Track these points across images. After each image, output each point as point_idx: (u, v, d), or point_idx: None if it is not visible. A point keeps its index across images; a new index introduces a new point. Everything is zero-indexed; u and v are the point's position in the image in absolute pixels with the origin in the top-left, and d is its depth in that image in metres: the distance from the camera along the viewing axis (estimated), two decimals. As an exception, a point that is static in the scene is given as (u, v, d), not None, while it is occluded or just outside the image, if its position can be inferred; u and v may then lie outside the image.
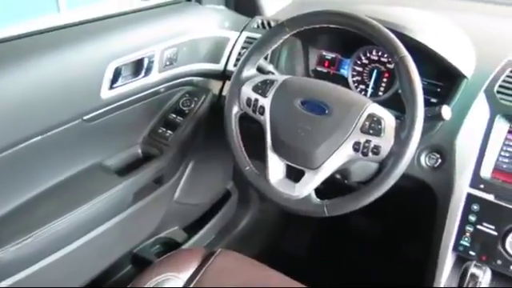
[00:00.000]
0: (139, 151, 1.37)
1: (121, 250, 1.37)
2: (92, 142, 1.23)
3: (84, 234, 1.18)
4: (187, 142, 1.40)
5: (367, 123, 0.96)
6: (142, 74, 1.25)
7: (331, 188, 1.05)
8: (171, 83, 1.37)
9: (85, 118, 1.16)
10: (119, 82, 1.19)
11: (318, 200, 1.01)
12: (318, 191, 1.03)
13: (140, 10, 1.34)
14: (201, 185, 1.60)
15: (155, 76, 1.29)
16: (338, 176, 1.17)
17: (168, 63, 1.30)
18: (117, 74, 1.17)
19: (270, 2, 1.46)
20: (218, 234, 1.75)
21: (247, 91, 1.09)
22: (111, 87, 1.17)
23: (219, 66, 1.41)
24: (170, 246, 1.57)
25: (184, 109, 1.41)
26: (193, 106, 1.41)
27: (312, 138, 1.00)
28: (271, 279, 1.12)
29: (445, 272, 1.12)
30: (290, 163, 1.04)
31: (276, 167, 1.05)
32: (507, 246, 1.02)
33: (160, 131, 1.38)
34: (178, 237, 1.61)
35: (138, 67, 1.24)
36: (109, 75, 1.16)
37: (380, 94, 1.27)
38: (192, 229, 1.66)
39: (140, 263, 1.47)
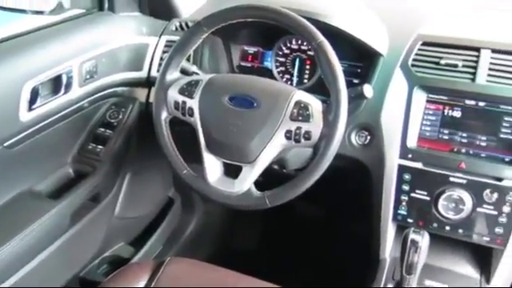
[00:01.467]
0: (70, 171, 1.32)
1: (66, 275, 1.31)
2: (17, 169, 1.17)
3: (22, 266, 1.12)
4: (120, 155, 1.37)
5: (295, 111, 0.98)
6: (62, 90, 1.20)
7: (271, 179, 1.06)
8: (95, 97, 1.33)
9: (5, 144, 1.09)
10: (38, 103, 1.14)
11: (259, 192, 1.01)
12: (259, 184, 1.03)
13: (52, 25, 1.28)
14: (141, 196, 1.56)
15: (76, 91, 1.24)
16: (275, 166, 1.19)
17: (88, 77, 1.26)
18: (34, 94, 1.12)
19: (186, 3, 1.45)
20: (166, 243, 1.72)
21: (173, 95, 1.07)
22: (30, 109, 1.12)
23: (142, 74, 1.38)
24: (117, 264, 1.52)
25: (112, 121, 1.37)
26: (121, 117, 1.37)
27: (244, 132, 1.00)
28: (226, 279, 1.11)
29: (388, 242, 1.17)
30: (226, 160, 1.04)
31: (213, 166, 1.05)
32: (440, 209, 1.08)
33: (90, 147, 1.34)
34: (124, 253, 1.56)
35: (56, 84, 1.19)
36: (26, 96, 1.10)
37: (305, 81, 1.30)
38: (138, 242, 1.62)
39: (89, 286, 1.42)
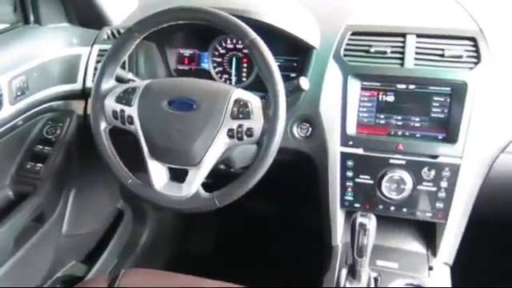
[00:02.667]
0: (10, 193, 1.26)
1: (16, 301, 1.26)
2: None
3: None
4: (62, 171, 1.32)
5: (235, 109, 0.98)
6: (-8, 110, 1.15)
7: (220, 179, 1.07)
8: (28, 113, 1.28)
9: None
10: (-33, 125, 1.08)
11: (207, 194, 1.01)
12: (208, 186, 1.03)
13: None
14: (89, 211, 1.52)
15: (8, 110, 1.19)
16: (222, 166, 1.20)
17: (19, 93, 1.21)
18: (-38, 117, 1.07)
19: (115, 10, 1.42)
20: (120, 256, 1.68)
21: (111, 104, 1.05)
22: None
23: (77, 86, 1.34)
24: (71, 283, 1.47)
25: (49, 137, 1.32)
26: (58, 132, 1.33)
27: (186, 135, 1.00)
28: (183, 284, 1.11)
29: (339, 229, 1.21)
30: (171, 165, 1.04)
31: (158, 173, 1.04)
32: (384, 191, 1.12)
33: (29, 166, 1.29)
34: (77, 271, 1.52)
35: (-15, 104, 1.14)
36: None
37: (244, 79, 1.31)
38: (91, 258, 1.58)
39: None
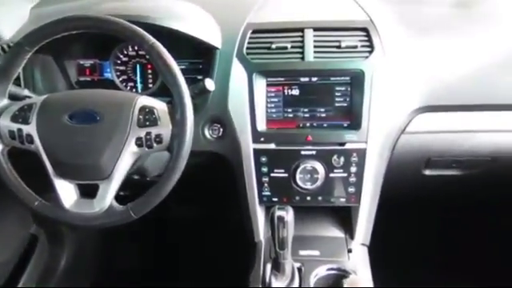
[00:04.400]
0: None
1: None
2: None
3: None
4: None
5: (141, 117, 0.96)
6: None
7: (137, 190, 1.04)
8: None
9: None
10: None
11: (121, 206, 0.99)
12: (125, 198, 1.00)
13: None
14: (-1, 240, 1.42)
15: None
16: (136, 177, 1.16)
17: None
18: None
19: (5, 23, 1.33)
20: (39, 282, 1.59)
21: (6, 124, 0.99)
22: None
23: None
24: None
25: None
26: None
27: (92, 149, 0.96)
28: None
29: (260, 224, 1.22)
30: (79, 182, 1.00)
31: (67, 191, 0.99)
32: (298, 182, 1.15)
33: None
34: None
35: None
36: None
37: (150, 86, 1.29)
38: (7, 289, 1.48)
39: None
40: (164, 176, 0.97)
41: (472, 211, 1.71)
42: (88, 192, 1.01)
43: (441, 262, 1.66)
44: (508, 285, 1.51)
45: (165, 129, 0.96)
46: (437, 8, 1.26)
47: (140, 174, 1.16)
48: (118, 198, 1.01)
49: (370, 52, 1.12)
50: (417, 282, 1.54)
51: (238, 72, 1.15)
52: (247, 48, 1.16)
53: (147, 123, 0.96)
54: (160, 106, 0.98)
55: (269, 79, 1.15)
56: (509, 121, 1.17)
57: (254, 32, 1.17)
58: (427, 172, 1.28)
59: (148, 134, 0.96)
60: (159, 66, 0.97)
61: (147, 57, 1.26)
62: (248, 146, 1.15)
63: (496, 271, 1.62)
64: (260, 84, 1.15)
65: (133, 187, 1.05)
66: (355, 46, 1.13)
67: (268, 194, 1.18)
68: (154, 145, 0.97)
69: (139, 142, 0.96)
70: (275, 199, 1.18)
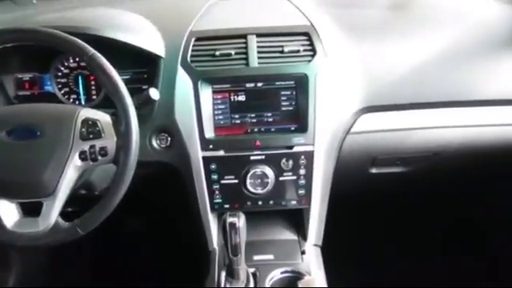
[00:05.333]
0: None
1: None
2: None
3: None
4: None
5: (84, 130, 0.94)
6: None
7: (85, 206, 1.01)
8: None
9: None
10: None
11: (67, 223, 0.96)
12: (72, 215, 0.98)
13: None
14: None
15: None
16: (83, 192, 1.13)
17: None
18: None
19: None
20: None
21: None
22: None
23: None
24: None
25: None
26: None
27: (33, 165, 0.93)
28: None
29: (213, 232, 1.21)
30: (21, 200, 0.96)
31: (8, 211, 0.95)
32: (249, 187, 1.15)
33: None
34: None
35: None
36: None
37: (94, 97, 1.26)
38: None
39: None
40: (111, 189, 0.95)
41: (418, 206, 1.77)
42: (32, 210, 0.97)
43: (391, 257, 1.71)
44: (457, 276, 1.58)
45: (109, 141, 0.95)
46: (374, 11, 1.30)
47: (87, 189, 1.13)
48: (65, 214, 0.98)
49: (313, 56, 1.15)
50: (369, 279, 1.57)
51: (183, 80, 1.14)
52: (191, 56, 1.16)
53: (91, 136, 0.94)
54: (103, 117, 0.96)
55: (214, 86, 1.15)
56: (447, 117, 1.22)
57: (197, 40, 1.17)
58: (373, 170, 1.32)
59: (92, 146, 0.94)
60: (100, 78, 0.95)
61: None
62: (197, 154, 1.14)
63: (443, 263, 1.68)
64: (206, 91, 1.15)
65: (81, 203, 1.02)
66: (298, 51, 1.15)
67: (219, 201, 1.17)
68: (99, 158, 0.95)
69: (83, 156, 0.94)
70: (227, 206, 1.18)
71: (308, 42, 1.16)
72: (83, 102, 1.25)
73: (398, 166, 1.32)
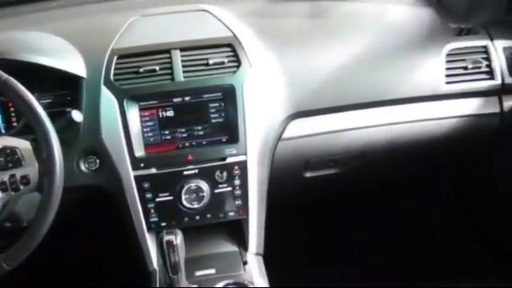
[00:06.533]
0: None
1: None
2: None
3: None
4: None
5: (2, 159, 0.90)
6: None
7: (14, 239, 0.96)
8: None
9: None
10: None
11: None
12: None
13: None
14: None
15: None
16: (8, 225, 1.07)
17: None
18: None
19: None
20: None
21: None
22: None
23: None
24: None
25: None
26: None
27: None
28: None
29: (152, 253, 1.18)
30: None
31: None
32: (185, 203, 1.14)
33: None
34: None
35: None
36: None
37: (14, 124, 1.19)
38: None
39: None
40: (36, 218, 0.91)
41: (354, 205, 1.83)
42: None
43: (333, 259, 1.74)
44: (395, 273, 1.63)
45: (31, 168, 0.90)
46: (295, 20, 1.34)
47: (13, 221, 1.07)
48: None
49: (238, 66, 1.16)
50: (313, 282, 1.59)
51: (107, 100, 1.11)
52: (115, 74, 1.13)
53: (10, 165, 0.90)
54: (23, 144, 0.92)
55: (141, 103, 1.13)
56: (371, 117, 1.27)
57: (120, 57, 1.15)
58: (308, 174, 1.35)
59: (12, 176, 0.90)
60: (16, 103, 0.91)
61: (5, 94, 1.18)
62: (128, 174, 1.12)
63: (383, 260, 1.73)
64: (132, 109, 1.12)
65: (8, 236, 0.96)
66: (223, 62, 1.16)
67: (156, 219, 1.15)
68: (21, 187, 0.90)
69: (3, 187, 0.89)
70: (164, 224, 1.15)
71: (232, 54, 1.17)
72: (3, 131, 1.19)
73: (330, 168, 1.35)
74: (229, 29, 1.21)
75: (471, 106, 1.33)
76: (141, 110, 1.13)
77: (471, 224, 1.75)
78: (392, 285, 1.35)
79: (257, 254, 1.22)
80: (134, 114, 1.13)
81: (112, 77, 1.12)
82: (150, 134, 1.14)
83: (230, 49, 1.17)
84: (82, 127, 1.11)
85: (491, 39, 1.33)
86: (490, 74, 1.31)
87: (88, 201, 1.17)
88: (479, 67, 1.30)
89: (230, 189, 1.16)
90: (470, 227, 1.74)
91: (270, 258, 1.24)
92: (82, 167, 1.13)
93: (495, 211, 1.62)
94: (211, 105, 1.16)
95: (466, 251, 1.73)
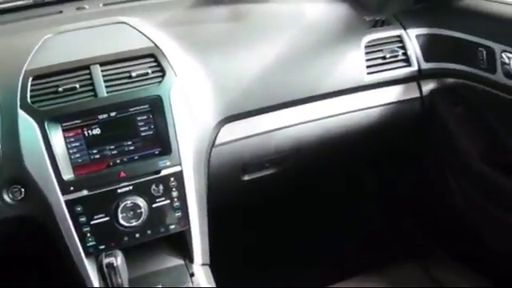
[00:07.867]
0: None
1: None
2: None
3: None
4: None
5: None
6: None
7: None
8: None
9: None
10: None
11: None
12: None
13: None
14: None
15: None
16: None
17: None
18: None
19: None
20: None
21: None
22: None
23: None
24: None
25: None
26: None
27: None
28: None
29: (93, 278, 1.12)
30: None
31: None
32: (122, 222, 1.09)
33: None
34: None
35: None
36: None
37: None
38: None
39: None
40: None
41: (297, 204, 1.85)
42: None
43: (281, 260, 1.74)
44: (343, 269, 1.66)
45: None
46: (215, 25, 1.34)
47: None
48: None
49: (163, 76, 1.13)
50: (264, 284, 1.59)
51: (26, 124, 1.05)
52: (31, 96, 1.06)
53: None
54: None
55: (64, 124, 1.07)
56: (301, 114, 1.29)
57: (35, 78, 1.08)
58: (246, 177, 1.34)
59: None
60: None
61: None
62: (58, 200, 1.06)
63: (334, 257, 1.76)
64: (55, 131, 1.06)
65: None
66: (146, 74, 1.12)
67: (93, 243, 1.10)
68: None
69: None
70: (102, 247, 1.10)
71: (155, 64, 1.14)
72: None
73: (268, 169, 1.36)
74: (149, 39, 1.19)
75: (393, 94, 1.39)
76: (64, 130, 1.08)
77: (409, 211, 1.81)
78: (341, 277, 1.38)
79: (203, 264, 1.20)
80: (57, 135, 1.07)
81: (29, 99, 1.06)
82: (78, 155, 1.09)
83: (152, 59, 1.15)
84: (2, 156, 1.04)
85: (404, 28, 1.39)
86: (407, 62, 1.38)
87: (19, 233, 1.09)
88: (396, 56, 1.36)
89: (168, 202, 1.13)
90: (408, 214, 1.81)
91: (217, 265, 1.22)
92: (6, 198, 1.06)
93: (425, 197, 1.69)
94: (139, 118, 1.12)
95: (406, 237, 1.80)
